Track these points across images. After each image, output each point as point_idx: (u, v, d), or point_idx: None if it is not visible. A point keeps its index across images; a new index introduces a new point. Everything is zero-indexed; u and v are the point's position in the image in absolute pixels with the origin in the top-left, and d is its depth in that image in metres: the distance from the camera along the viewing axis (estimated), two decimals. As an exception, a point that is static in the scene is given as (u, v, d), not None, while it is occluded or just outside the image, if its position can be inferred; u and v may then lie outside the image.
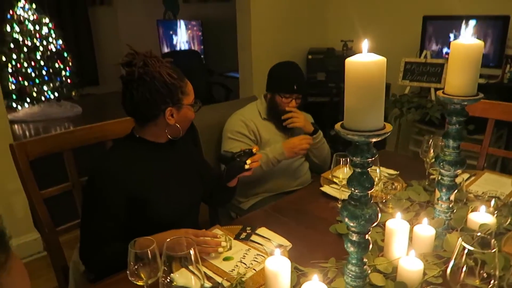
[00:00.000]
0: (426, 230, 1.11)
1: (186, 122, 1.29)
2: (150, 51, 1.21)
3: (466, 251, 0.82)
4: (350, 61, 0.76)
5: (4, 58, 5.08)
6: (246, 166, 1.33)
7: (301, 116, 1.85)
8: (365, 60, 0.74)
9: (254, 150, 1.35)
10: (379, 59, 0.74)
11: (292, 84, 1.81)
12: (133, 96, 1.19)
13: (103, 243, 1.16)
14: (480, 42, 1.02)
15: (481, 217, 1.18)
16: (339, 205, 1.45)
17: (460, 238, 0.84)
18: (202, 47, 5.55)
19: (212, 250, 1.14)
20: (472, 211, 1.21)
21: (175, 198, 1.28)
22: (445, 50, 2.98)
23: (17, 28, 5.17)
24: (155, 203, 1.22)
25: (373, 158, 0.80)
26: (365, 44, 0.77)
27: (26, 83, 5.27)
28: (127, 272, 0.91)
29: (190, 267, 0.89)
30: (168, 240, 0.88)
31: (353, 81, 0.76)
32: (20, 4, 5.18)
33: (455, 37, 2.91)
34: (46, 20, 5.41)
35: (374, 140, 0.77)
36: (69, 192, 1.41)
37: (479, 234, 0.98)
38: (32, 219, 2.35)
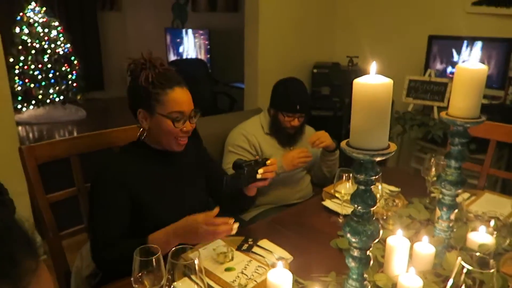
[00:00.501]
0: (426, 248, 1.13)
1: (161, 132, 1.25)
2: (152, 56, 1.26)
3: (465, 270, 0.83)
4: (358, 82, 0.78)
5: (11, 60, 5.13)
6: (258, 176, 1.33)
7: (326, 135, 1.86)
8: (372, 82, 0.76)
9: (268, 162, 1.34)
10: (386, 82, 0.77)
11: (295, 104, 1.81)
12: None
13: (112, 241, 1.18)
14: (484, 67, 1.04)
15: (481, 237, 1.20)
16: (341, 220, 1.46)
17: (459, 257, 0.86)
18: (208, 56, 5.60)
19: (225, 233, 1.14)
20: (471, 231, 1.23)
21: (174, 206, 1.30)
22: (449, 69, 3.01)
23: (26, 30, 5.22)
24: (153, 209, 1.25)
25: (376, 176, 0.83)
26: (373, 66, 0.79)
27: (32, 85, 5.31)
28: (131, 279, 0.92)
29: (193, 277, 0.91)
30: (173, 249, 0.89)
31: (360, 102, 0.79)
32: (31, 7, 5.25)
33: (459, 58, 2.94)
34: (56, 23, 5.48)
35: (378, 159, 0.79)
36: (73, 197, 1.43)
37: (478, 254, 1.00)
38: (34, 222, 2.35)
